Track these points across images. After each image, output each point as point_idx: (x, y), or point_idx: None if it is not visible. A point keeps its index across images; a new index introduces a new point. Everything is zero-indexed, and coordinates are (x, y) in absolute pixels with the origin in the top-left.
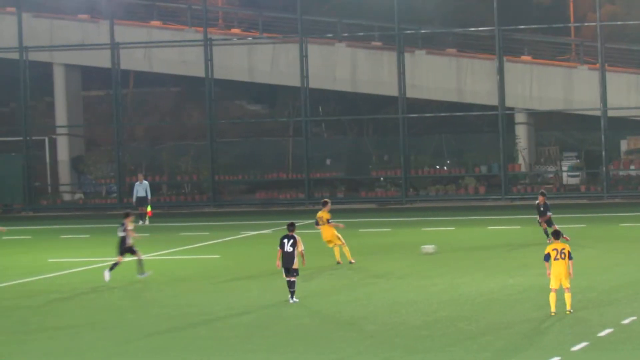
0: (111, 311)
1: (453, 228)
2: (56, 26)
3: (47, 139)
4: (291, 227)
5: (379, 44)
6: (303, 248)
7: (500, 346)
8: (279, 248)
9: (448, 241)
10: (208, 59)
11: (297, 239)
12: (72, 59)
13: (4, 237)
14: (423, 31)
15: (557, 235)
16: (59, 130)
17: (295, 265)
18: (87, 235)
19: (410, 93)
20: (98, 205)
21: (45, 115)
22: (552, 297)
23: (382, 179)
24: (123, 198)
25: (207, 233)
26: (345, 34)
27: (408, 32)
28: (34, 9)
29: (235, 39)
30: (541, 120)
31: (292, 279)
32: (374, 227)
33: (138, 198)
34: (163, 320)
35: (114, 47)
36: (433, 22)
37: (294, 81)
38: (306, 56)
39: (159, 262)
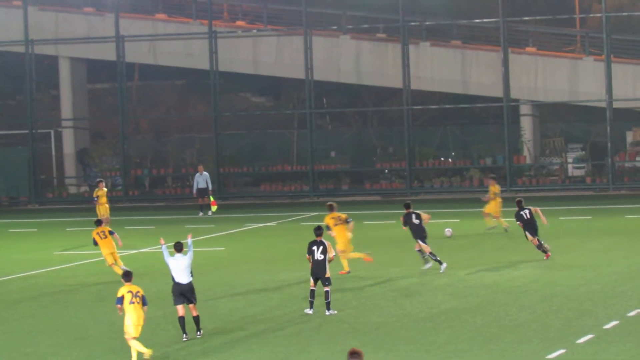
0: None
1: (458, 220)
2: (62, 19)
3: (52, 132)
4: (318, 231)
5: (383, 35)
6: (334, 254)
7: (506, 339)
8: (307, 255)
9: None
10: (213, 52)
11: (326, 245)
12: (77, 52)
13: (10, 230)
14: (427, 23)
15: None
16: (64, 123)
17: (328, 274)
18: (93, 228)
19: (414, 85)
20: None
21: (51, 108)
22: None
23: (386, 171)
24: (128, 191)
25: (212, 225)
26: (350, 26)
27: (412, 23)
28: (39, 2)
29: (239, 32)
30: (546, 112)
31: (326, 288)
32: (378, 219)
33: (199, 189)
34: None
35: (119, 40)
36: (437, 14)
37: (299, 73)
38: (310, 48)
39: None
